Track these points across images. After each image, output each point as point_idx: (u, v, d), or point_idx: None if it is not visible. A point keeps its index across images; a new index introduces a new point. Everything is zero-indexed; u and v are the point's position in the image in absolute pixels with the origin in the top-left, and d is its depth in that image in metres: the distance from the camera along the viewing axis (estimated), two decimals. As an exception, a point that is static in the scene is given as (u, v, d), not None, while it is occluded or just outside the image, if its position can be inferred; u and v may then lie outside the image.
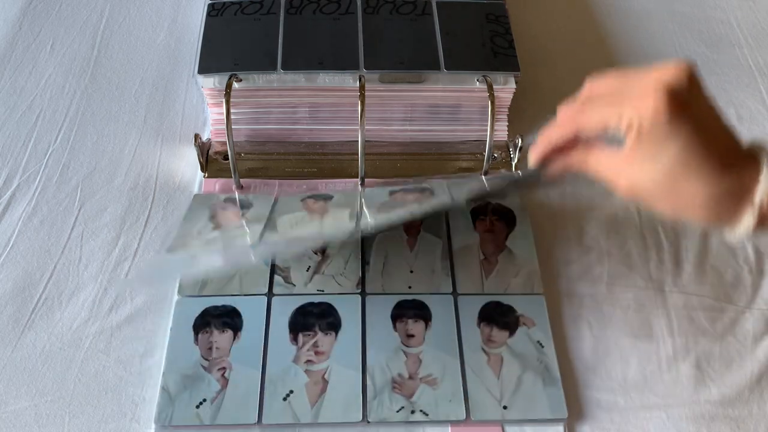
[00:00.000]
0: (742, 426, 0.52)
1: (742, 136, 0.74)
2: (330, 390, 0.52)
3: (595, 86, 0.38)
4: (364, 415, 0.51)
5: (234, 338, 0.55)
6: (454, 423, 0.51)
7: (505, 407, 0.52)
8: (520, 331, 0.56)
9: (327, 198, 0.59)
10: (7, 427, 0.50)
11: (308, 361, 0.53)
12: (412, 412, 0.51)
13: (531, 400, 0.52)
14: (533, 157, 0.42)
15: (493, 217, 0.63)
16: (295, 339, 0.55)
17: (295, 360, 0.53)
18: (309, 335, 0.55)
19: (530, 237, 0.62)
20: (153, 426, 0.50)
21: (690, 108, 0.35)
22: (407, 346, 0.55)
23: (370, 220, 0.51)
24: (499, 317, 0.56)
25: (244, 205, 0.61)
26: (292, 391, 0.52)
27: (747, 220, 0.36)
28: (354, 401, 0.52)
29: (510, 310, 0.57)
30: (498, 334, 0.56)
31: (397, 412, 0.51)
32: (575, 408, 0.53)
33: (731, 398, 0.53)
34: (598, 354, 0.56)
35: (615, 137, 0.37)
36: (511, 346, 0.55)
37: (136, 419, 0.51)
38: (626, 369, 0.55)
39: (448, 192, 0.52)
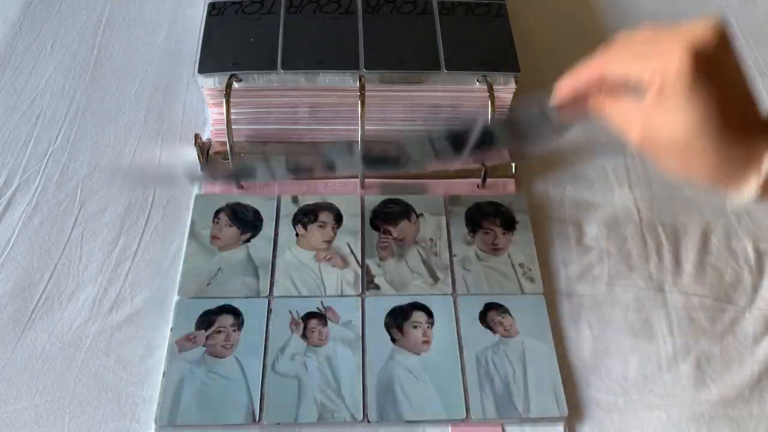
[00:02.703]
0: (742, 426, 0.52)
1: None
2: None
3: (627, 37, 0.38)
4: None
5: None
6: (455, 422, 0.52)
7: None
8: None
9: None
10: (7, 427, 0.50)
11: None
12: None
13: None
14: (558, 94, 0.41)
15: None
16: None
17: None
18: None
19: (530, 237, 0.62)
20: (153, 426, 0.50)
21: (715, 69, 0.34)
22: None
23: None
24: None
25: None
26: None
27: (751, 186, 0.36)
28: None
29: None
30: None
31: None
32: (575, 408, 0.53)
33: (731, 398, 0.53)
34: (598, 354, 0.56)
35: (637, 88, 0.36)
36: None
37: (136, 419, 0.51)
38: (626, 369, 0.55)
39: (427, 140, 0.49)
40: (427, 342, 0.55)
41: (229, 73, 0.62)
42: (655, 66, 0.35)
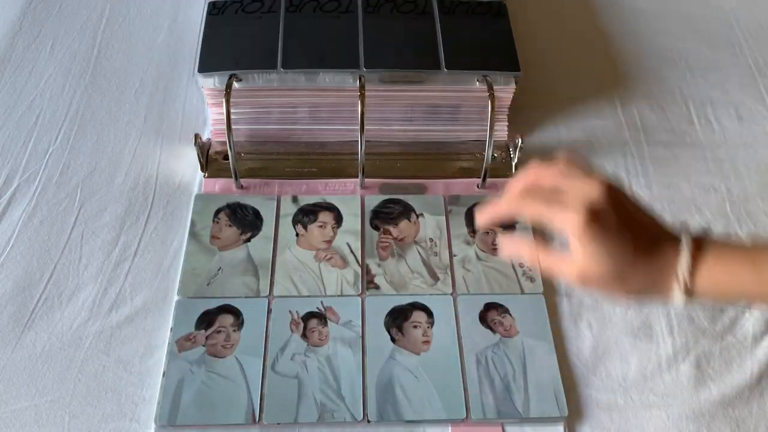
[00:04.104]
0: (742, 426, 0.52)
1: (742, 135, 0.74)
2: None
3: (539, 176, 0.43)
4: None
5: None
6: (455, 422, 0.51)
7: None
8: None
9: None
10: (7, 427, 0.50)
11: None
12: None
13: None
14: (478, 223, 0.46)
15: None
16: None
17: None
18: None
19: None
20: (153, 426, 0.50)
21: (607, 217, 0.40)
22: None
23: None
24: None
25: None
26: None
27: (676, 293, 0.41)
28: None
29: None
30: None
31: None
32: (575, 407, 0.53)
33: (731, 398, 0.53)
34: (598, 354, 0.56)
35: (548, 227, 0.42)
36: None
37: (136, 419, 0.51)
38: (626, 369, 0.55)
39: None
40: (427, 342, 0.55)
41: (229, 72, 0.62)
42: (561, 220, 0.40)
